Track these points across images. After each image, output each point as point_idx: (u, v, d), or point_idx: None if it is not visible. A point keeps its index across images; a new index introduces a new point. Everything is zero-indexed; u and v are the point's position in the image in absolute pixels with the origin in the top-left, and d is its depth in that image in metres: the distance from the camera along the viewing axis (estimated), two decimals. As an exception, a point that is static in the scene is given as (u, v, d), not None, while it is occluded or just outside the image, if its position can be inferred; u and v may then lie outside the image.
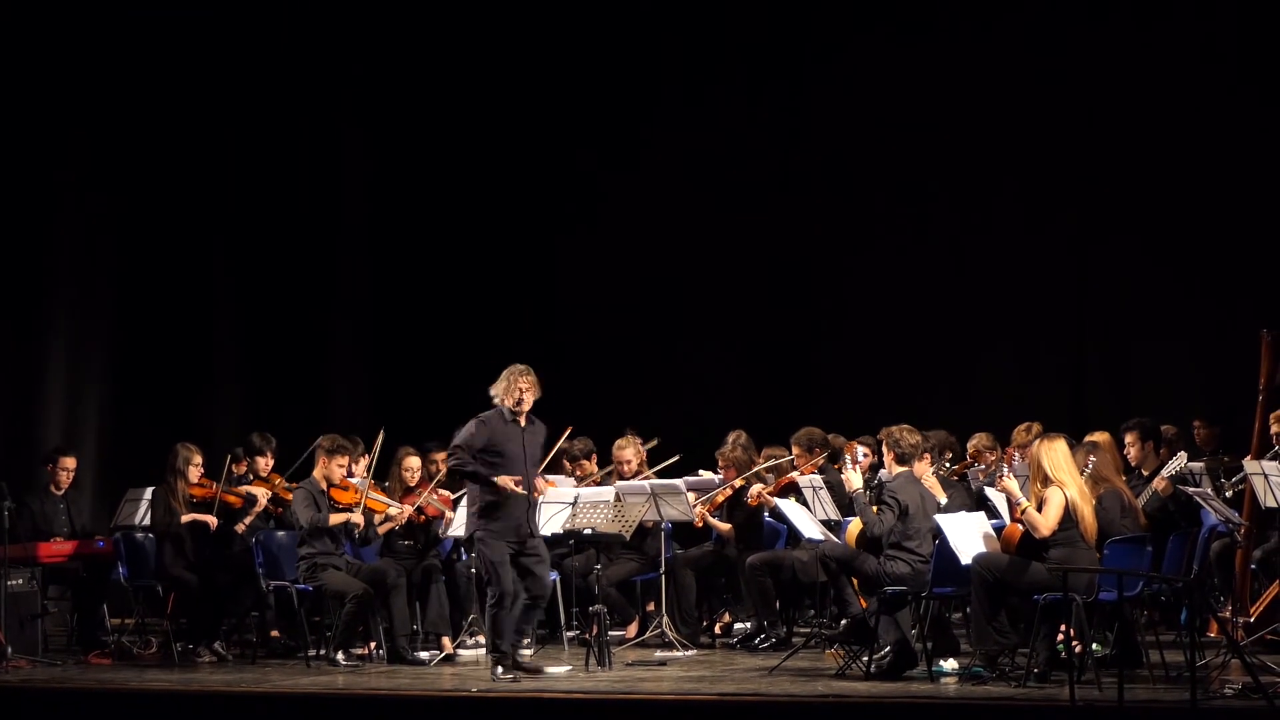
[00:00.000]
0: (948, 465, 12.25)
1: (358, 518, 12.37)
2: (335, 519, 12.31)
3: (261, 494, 12.85)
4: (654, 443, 13.77)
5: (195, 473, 12.87)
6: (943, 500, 11.57)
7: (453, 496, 12.89)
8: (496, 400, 11.49)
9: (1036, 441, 10.93)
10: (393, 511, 12.64)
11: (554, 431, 13.52)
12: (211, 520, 12.74)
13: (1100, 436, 11.78)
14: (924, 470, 11.49)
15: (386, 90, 17.21)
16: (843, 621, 11.61)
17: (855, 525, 11.30)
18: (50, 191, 16.22)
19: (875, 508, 11.15)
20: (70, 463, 13.51)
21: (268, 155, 16.89)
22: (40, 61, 16.00)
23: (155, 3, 16.31)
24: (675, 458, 13.68)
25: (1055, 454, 10.66)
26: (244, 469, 13.31)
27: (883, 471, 11.80)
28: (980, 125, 15.97)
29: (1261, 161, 15.12)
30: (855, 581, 11.43)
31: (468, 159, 17.04)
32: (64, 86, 16.10)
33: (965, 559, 10.76)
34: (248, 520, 12.83)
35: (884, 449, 11.39)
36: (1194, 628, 10.49)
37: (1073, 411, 15.08)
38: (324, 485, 12.40)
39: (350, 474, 12.69)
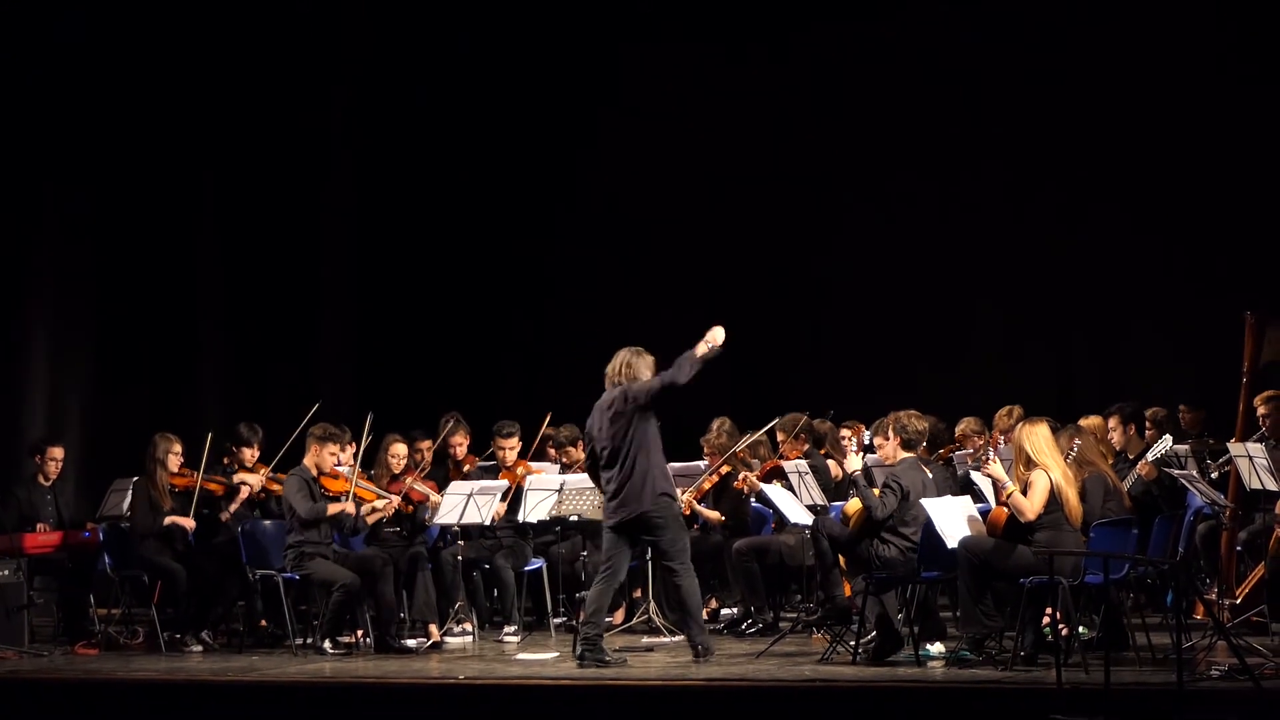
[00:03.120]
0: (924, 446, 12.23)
1: (351, 507, 12.35)
2: (332, 509, 12.28)
3: (254, 479, 12.85)
4: None
5: (175, 462, 12.84)
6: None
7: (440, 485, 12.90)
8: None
9: (1019, 426, 10.94)
10: (379, 504, 12.62)
11: (534, 419, 13.57)
12: (189, 523, 12.71)
13: (1090, 421, 11.77)
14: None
15: (374, 83, 17.18)
16: (825, 604, 11.59)
17: (852, 503, 11.22)
18: (33, 182, 16.16)
19: (877, 490, 11.10)
20: (58, 453, 13.49)
21: (253, 144, 16.84)
22: (26, 51, 15.94)
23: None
24: None
25: (1037, 437, 10.68)
26: (230, 462, 13.28)
27: (870, 455, 11.77)
28: (965, 110, 15.98)
29: (1246, 145, 15.14)
30: (843, 561, 11.41)
31: (453, 146, 17.00)
32: (49, 78, 16.05)
33: (951, 543, 10.77)
34: (232, 508, 12.82)
35: (889, 433, 11.29)
36: (1180, 610, 10.51)
37: (1060, 396, 15.09)
38: (315, 473, 12.39)
39: (339, 463, 12.68)
